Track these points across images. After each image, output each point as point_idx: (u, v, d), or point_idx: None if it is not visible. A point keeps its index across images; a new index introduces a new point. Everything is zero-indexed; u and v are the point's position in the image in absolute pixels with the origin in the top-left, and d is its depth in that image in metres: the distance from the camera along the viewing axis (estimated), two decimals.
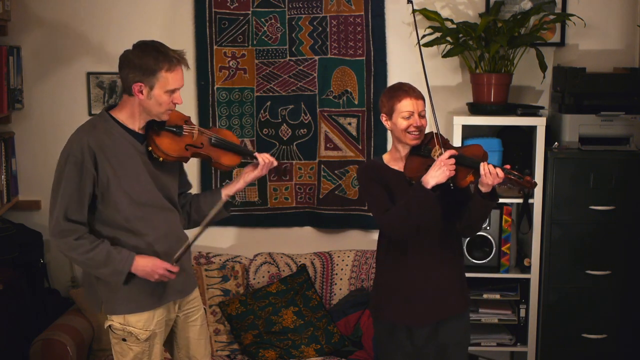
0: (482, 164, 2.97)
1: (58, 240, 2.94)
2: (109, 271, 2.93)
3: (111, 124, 2.97)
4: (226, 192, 3.22)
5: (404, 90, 3.14)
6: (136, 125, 2.99)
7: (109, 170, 2.92)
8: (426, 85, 3.20)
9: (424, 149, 3.14)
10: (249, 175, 3.20)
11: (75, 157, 2.89)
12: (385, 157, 3.26)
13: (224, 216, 3.24)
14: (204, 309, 3.29)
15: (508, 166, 3.01)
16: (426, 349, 3.23)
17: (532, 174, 3.05)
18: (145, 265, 2.95)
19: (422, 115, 3.12)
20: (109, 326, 3.05)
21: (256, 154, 3.19)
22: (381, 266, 3.28)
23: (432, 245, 3.16)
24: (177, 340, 3.21)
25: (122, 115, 2.98)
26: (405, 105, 3.11)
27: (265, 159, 3.17)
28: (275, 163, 3.20)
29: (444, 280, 3.19)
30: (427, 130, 3.20)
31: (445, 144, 3.13)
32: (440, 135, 3.14)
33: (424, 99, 3.15)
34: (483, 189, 3.00)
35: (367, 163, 3.33)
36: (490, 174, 2.95)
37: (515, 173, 2.97)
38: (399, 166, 3.18)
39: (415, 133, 3.11)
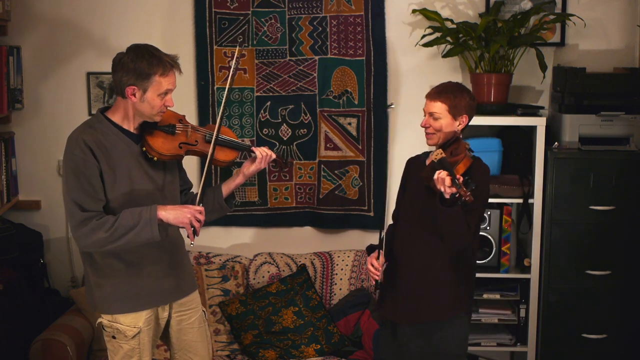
0: (437, 171, 2.94)
1: (81, 231, 2.88)
2: (141, 226, 2.87)
3: (106, 124, 2.99)
4: (226, 187, 3.24)
5: (430, 90, 3.20)
6: (131, 126, 3.01)
7: (105, 167, 2.94)
8: None
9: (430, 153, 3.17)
10: (248, 169, 3.20)
11: (75, 155, 2.89)
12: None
13: (227, 212, 3.26)
14: (203, 311, 3.27)
15: (461, 179, 2.86)
16: (409, 349, 3.20)
17: (473, 186, 2.93)
18: (172, 208, 2.94)
19: (434, 117, 3.14)
20: (100, 323, 3.10)
21: (253, 147, 3.20)
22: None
23: (422, 249, 3.16)
24: (172, 341, 3.22)
25: (116, 117, 3.01)
26: (425, 105, 3.19)
27: (262, 152, 3.17)
28: (274, 156, 3.20)
29: (427, 283, 3.15)
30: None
31: (452, 155, 3.08)
32: (453, 142, 3.12)
33: (444, 101, 3.13)
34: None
35: (411, 157, 3.41)
36: (439, 179, 2.91)
37: (458, 184, 2.84)
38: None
39: (426, 133, 3.18)
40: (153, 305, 3.09)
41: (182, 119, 3.13)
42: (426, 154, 3.32)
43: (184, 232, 3.17)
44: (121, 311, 3.04)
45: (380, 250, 3.24)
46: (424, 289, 3.16)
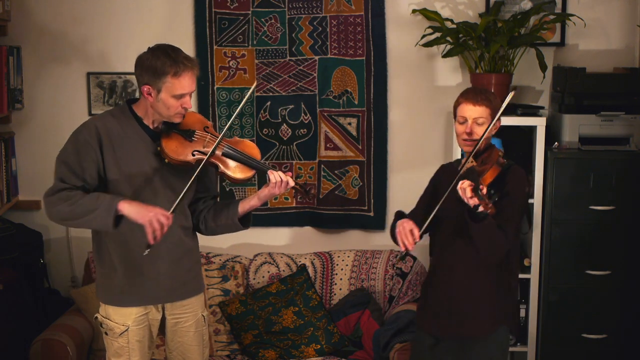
0: (461, 181, 2.87)
1: (49, 198, 2.90)
2: (99, 212, 2.84)
3: (128, 116, 3.01)
4: (242, 206, 3.15)
5: (466, 94, 3.08)
6: (150, 123, 3.02)
7: (111, 156, 2.94)
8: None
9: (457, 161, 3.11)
10: (262, 192, 3.08)
11: (82, 135, 2.93)
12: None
13: (241, 230, 3.20)
14: (203, 315, 3.25)
15: (484, 189, 2.80)
16: None
17: (496, 197, 2.85)
18: (139, 205, 2.87)
19: (478, 123, 3.04)
20: (96, 318, 3.14)
21: (270, 171, 3.04)
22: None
23: (462, 262, 3.10)
24: (168, 342, 3.23)
25: (139, 111, 3.03)
26: (462, 110, 3.07)
27: (277, 178, 3.02)
28: (292, 183, 3.04)
29: (468, 298, 3.10)
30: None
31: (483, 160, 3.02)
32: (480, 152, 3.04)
33: (487, 105, 3.04)
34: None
35: (444, 164, 3.35)
36: (461, 189, 2.84)
37: (481, 195, 2.78)
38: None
39: (466, 140, 3.06)
40: (141, 304, 3.09)
41: (208, 127, 3.08)
42: (458, 161, 3.25)
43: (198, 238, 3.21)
44: (110, 302, 3.07)
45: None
46: (465, 304, 3.10)
